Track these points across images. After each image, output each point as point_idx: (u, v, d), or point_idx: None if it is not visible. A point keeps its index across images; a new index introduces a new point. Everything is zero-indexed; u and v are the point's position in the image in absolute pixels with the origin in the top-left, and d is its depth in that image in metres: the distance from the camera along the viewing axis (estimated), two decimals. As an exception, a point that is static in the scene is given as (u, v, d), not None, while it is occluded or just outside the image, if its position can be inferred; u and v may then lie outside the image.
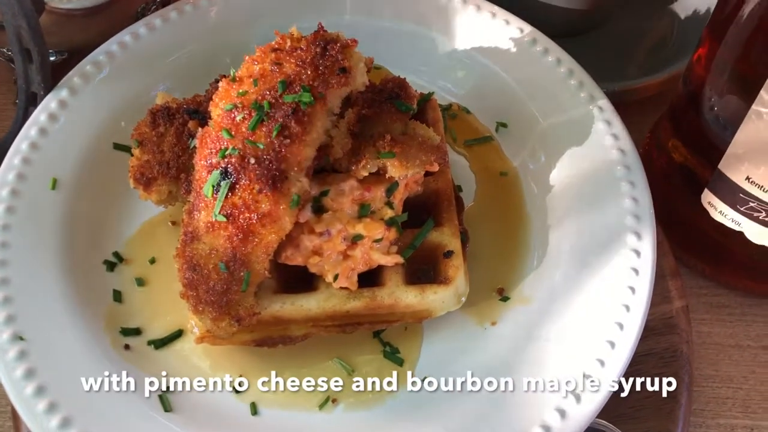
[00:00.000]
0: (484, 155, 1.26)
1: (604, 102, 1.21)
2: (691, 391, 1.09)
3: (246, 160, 0.93)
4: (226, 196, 0.93)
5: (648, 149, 1.34)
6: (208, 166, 0.96)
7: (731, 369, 1.18)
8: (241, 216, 0.93)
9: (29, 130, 1.17)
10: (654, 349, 1.11)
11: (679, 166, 1.21)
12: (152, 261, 1.14)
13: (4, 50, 1.38)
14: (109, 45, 1.28)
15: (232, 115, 0.95)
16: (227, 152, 0.94)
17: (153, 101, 1.27)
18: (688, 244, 1.24)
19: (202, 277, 0.96)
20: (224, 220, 0.94)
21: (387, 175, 1.00)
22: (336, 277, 0.99)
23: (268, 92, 0.94)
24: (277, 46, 0.98)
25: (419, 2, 1.34)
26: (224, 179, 0.93)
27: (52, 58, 1.37)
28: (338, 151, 0.97)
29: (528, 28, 1.30)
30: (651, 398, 1.07)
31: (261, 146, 0.93)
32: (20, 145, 1.16)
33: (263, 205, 0.93)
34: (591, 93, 1.22)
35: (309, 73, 0.94)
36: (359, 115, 1.00)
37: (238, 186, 0.93)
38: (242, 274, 0.94)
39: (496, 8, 1.32)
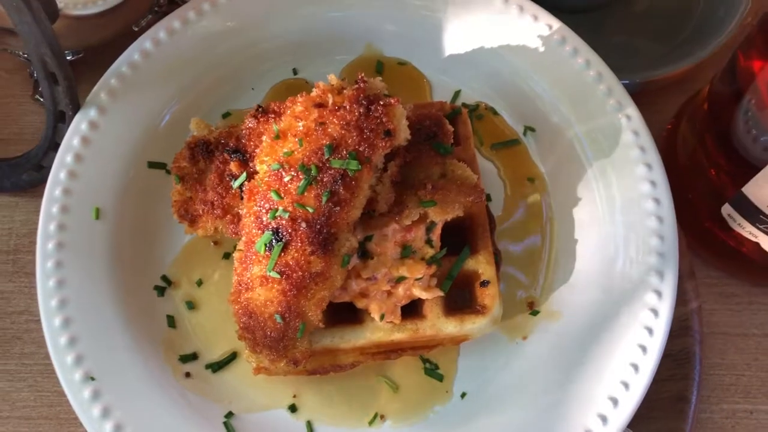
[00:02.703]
0: (511, 159, 1.28)
1: (632, 110, 1.22)
2: (700, 389, 1.20)
3: (297, 223, 0.97)
4: (278, 255, 0.98)
5: (671, 137, 1.36)
6: (258, 223, 0.99)
7: (736, 357, 1.28)
8: (294, 274, 0.98)
9: (65, 156, 1.18)
10: (669, 352, 1.19)
11: (703, 173, 1.24)
12: (199, 283, 1.20)
13: (19, 53, 1.34)
14: (131, 54, 1.25)
15: (280, 175, 0.98)
16: (277, 213, 0.97)
17: (179, 111, 1.28)
18: (703, 240, 1.30)
19: (258, 324, 1.02)
20: (278, 276, 0.99)
21: (428, 220, 1.04)
22: (383, 317, 1.06)
23: (314, 155, 0.96)
24: (319, 100, 0.98)
25: (445, -5, 1.30)
26: (276, 240, 0.97)
27: (68, 58, 1.35)
28: (383, 206, 1.01)
29: (557, 24, 1.27)
30: (663, 399, 1.18)
31: (311, 210, 0.96)
32: (58, 174, 1.17)
33: (315, 267, 0.97)
34: (619, 100, 1.23)
35: (354, 136, 0.95)
36: (401, 166, 1.03)
37: (290, 247, 0.97)
38: (297, 324, 1.01)
39: (524, 1, 1.29)
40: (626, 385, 1.07)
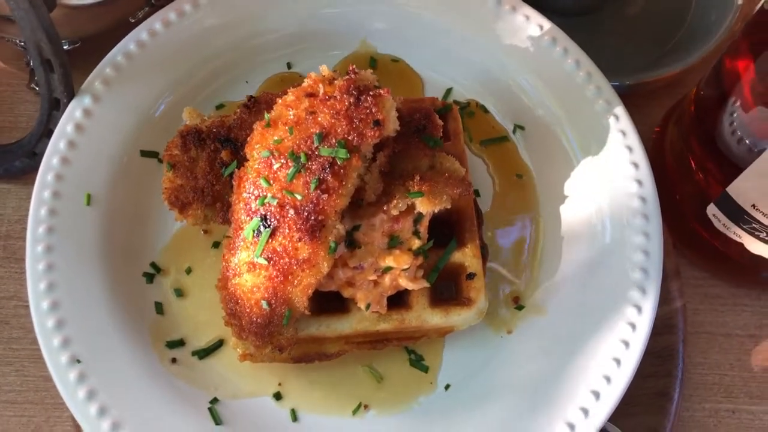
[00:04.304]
0: (500, 156, 1.29)
1: (620, 110, 1.24)
2: (682, 386, 1.21)
3: (285, 210, 0.98)
4: (266, 241, 0.99)
5: (659, 140, 1.38)
6: (247, 209, 1.00)
7: (719, 357, 1.30)
8: (281, 260, 0.99)
9: (58, 142, 1.19)
10: (652, 349, 1.20)
11: (689, 175, 1.26)
12: (188, 271, 1.20)
13: (16, 41, 1.35)
14: (126, 44, 1.27)
15: (269, 162, 0.99)
16: (266, 200, 0.98)
17: (173, 101, 1.29)
18: (689, 241, 1.31)
19: (244, 310, 1.03)
20: (265, 262, 1.00)
21: (416, 211, 1.06)
22: (368, 306, 1.07)
23: (303, 143, 0.97)
24: (310, 90, 1.00)
25: (438, -6, 1.32)
26: (264, 226, 0.99)
27: (65, 47, 1.35)
28: (371, 195, 1.02)
29: (548, 24, 1.29)
30: (645, 395, 1.19)
31: (299, 197, 0.97)
32: (51, 160, 1.18)
33: (302, 253, 0.98)
34: (608, 99, 1.24)
35: (344, 126, 0.97)
36: (389, 156, 1.04)
37: (277, 233, 0.98)
38: (283, 310, 1.02)
39: (517, 1, 1.30)
40: (608, 379, 1.08)
